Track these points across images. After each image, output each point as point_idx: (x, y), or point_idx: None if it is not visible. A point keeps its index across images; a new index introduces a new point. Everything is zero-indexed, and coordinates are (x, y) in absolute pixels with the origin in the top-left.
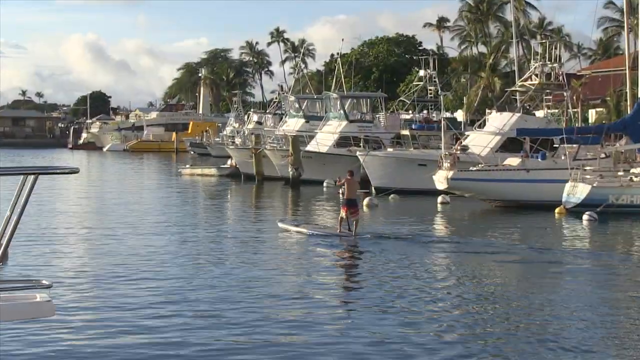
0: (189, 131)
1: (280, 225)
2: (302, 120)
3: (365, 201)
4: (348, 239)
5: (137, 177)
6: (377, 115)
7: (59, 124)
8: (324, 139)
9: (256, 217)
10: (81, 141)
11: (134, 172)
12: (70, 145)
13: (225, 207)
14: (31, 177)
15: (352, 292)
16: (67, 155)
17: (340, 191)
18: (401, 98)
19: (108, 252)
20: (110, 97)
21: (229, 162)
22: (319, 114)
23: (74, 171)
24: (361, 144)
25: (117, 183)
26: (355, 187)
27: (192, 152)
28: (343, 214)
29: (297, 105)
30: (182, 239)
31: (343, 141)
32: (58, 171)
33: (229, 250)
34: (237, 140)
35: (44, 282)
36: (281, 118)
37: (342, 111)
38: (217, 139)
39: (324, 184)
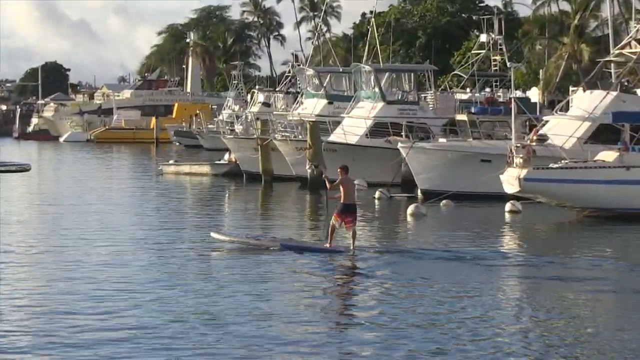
0: (174, 116)
1: (216, 236)
2: (324, 101)
3: (410, 209)
4: (344, 257)
5: (104, 177)
6: (424, 95)
7: (1, 106)
8: (353, 126)
9: (262, 233)
10: (31, 128)
11: (99, 170)
12: (16, 134)
13: (219, 218)
14: None
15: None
16: (11, 148)
17: (336, 195)
18: (456, 71)
19: (56, 278)
20: (68, 70)
21: (226, 156)
22: (346, 93)
23: (25, 169)
24: (403, 133)
25: (76, 185)
26: (354, 187)
27: (177, 144)
28: (336, 222)
29: (316, 81)
30: (159, 261)
31: (378, 129)
32: (2, 169)
33: (214, 274)
34: (238, 128)
35: None
36: (296, 98)
37: (377, 89)
38: (211, 126)
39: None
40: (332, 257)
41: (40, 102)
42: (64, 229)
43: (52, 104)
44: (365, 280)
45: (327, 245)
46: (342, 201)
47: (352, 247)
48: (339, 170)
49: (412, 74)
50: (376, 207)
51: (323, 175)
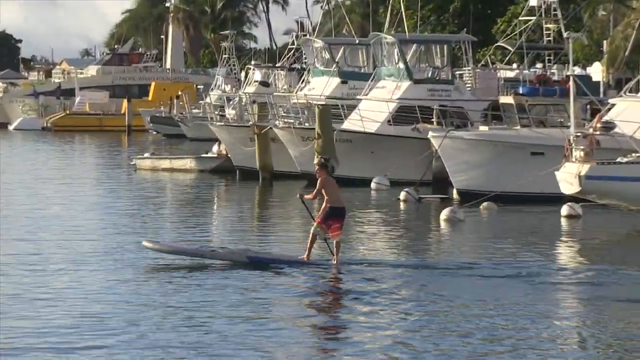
0: (150, 98)
1: (148, 245)
2: (336, 80)
3: (444, 214)
4: (324, 269)
5: (63, 175)
6: (459, 72)
7: None
8: (373, 111)
9: (258, 247)
10: None
11: (57, 165)
12: None
13: (206, 224)
14: None
15: None
16: None
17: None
18: (500, 43)
19: None
20: (19, 41)
21: (214, 148)
22: (363, 70)
23: None
24: (434, 119)
25: (28, 185)
26: (337, 187)
27: (154, 132)
28: (319, 230)
29: (327, 55)
30: (122, 280)
31: (404, 114)
32: None
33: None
34: (229, 113)
35: None
36: (301, 76)
37: (401, 65)
38: (196, 111)
39: (373, 185)
40: (318, 272)
41: None
42: (10, 240)
43: (0, 83)
44: (383, 302)
45: (305, 257)
46: (330, 203)
47: (335, 261)
48: (316, 168)
49: (446, 46)
50: (401, 211)
51: (299, 196)
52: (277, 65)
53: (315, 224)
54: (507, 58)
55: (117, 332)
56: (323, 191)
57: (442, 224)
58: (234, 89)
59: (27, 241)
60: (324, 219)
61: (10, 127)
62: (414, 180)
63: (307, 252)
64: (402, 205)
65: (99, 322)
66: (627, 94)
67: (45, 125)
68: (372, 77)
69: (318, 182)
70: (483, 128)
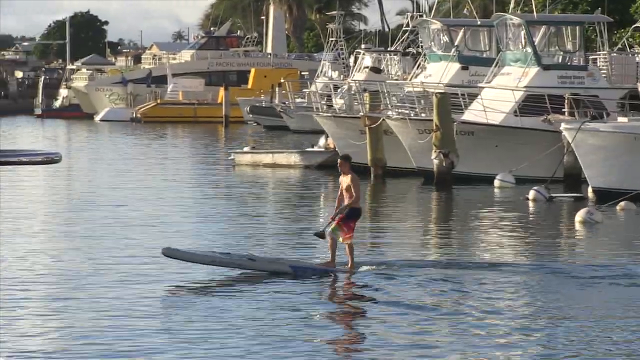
0: (249, 85)
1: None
2: (456, 66)
3: (580, 215)
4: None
5: (154, 171)
6: (593, 57)
7: (18, 73)
8: (497, 100)
9: (370, 251)
10: (57, 103)
11: (148, 160)
12: (39, 111)
13: (311, 224)
14: None
15: None
16: (32, 129)
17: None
18: (638, 24)
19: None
20: (105, 23)
21: (321, 141)
22: (485, 54)
23: (53, 160)
24: (566, 110)
25: (117, 181)
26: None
27: (253, 124)
28: (338, 231)
29: (445, 38)
30: (223, 291)
31: (532, 104)
32: (23, 159)
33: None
34: (337, 103)
35: None
36: (416, 61)
37: (529, 49)
38: (300, 100)
39: (497, 182)
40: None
41: (70, 66)
42: (98, 240)
43: (84, 70)
44: (512, 311)
45: (349, 266)
46: (353, 205)
47: (350, 265)
48: (340, 162)
49: (578, 28)
50: (530, 211)
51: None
52: (389, 49)
53: (334, 225)
54: None
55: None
56: (353, 189)
57: (577, 226)
58: (341, 75)
59: (126, 248)
60: (346, 220)
61: (97, 118)
62: (543, 177)
63: (331, 258)
64: (531, 205)
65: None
66: None
67: (134, 115)
68: (495, 62)
69: (353, 178)
70: (621, 119)
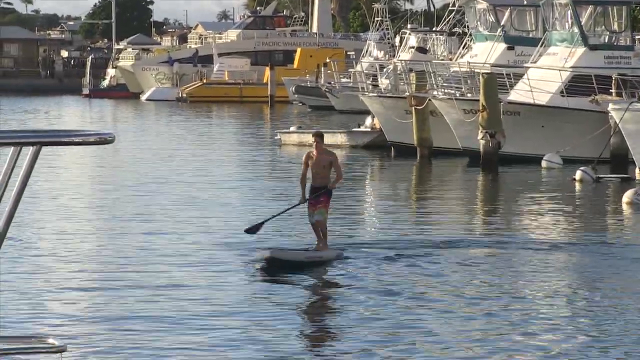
0: (295, 65)
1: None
2: (502, 46)
3: (627, 196)
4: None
5: (201, 150)
6: None
7: (64, 53)
8: (543, 81)
9: (415, 230)
10: (105, 83)
11: (194, 139)
12: (86, 91)
13: (357, 206)
14: (32, 150)
15: None
16: (79, 109)
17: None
18: None
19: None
20: (151, 2)
21: (367, 121)
22: (531, 34)
23: (106, 140)
24: (613, 90)
25: (163, 160)
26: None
27: (299, 104)
28: (309, 215)
29: (491, 18)
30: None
31: (578, 84)
32: (77, 140)
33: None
34: (382, 83)
35: (52, 340)
36: (462, 41)
37: (575, 29)
38: (345, 80)
39: (544, 163)
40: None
41: (116, 46)
42: (145, 220)
43: (130, 50)
44: (558, 291)
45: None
46: (336, 185)
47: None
48: (315, 140)
49: (625, 8)
50: (577, 192)
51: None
52: (435, 29)
53: (321, 209)
54: None
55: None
56: (339, 168)
57: (624, 207)
58: (387, 55)
59: (175, 234)
60: (329, 200)
61: (143, 98)
62: (590, 158)
63: (319, 242)
64: (577, 186)
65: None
66: None
67: (180, 95)
68: (541, 42)
69: (335, 157)
70: None
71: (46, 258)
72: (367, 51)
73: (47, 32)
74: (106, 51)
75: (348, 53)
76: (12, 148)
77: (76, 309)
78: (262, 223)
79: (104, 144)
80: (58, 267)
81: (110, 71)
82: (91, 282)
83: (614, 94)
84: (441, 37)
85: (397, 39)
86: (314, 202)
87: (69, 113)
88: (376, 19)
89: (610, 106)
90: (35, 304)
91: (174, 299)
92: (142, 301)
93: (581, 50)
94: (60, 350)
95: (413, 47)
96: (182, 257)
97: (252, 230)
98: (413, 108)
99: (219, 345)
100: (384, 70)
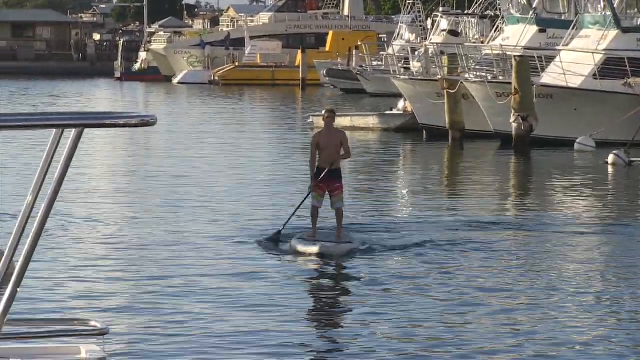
0: (327, 48)
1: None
2: (534, 28)
3: None
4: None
5: (233, 132)
6: None
7: (96, 36)
8: (575, 63)
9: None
10: (137, 66)
11: (226, 122)
12: (118, 74)
13: (388, 188)
14: (74, 132)
15: None
16: (111, 92)
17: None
18: None
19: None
20: None
21: (400, 104)
22: (564, 17)
23: (149, 122)
24: None
25: (195, 143)
26: (339, 145)
27: (331, 87)
28: (317, 198)
29: (523, 1)
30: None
31: (611, 67)
32: (120, 122)
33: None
34: (414, 66)
35: (94, 323)
36: (494, 24)
37: (608, 11)
38: (377, 63)
39: (577, 146)
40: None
41: (149, 29)
42: (175, 204)
43: (162, 33)
44: (588, 274)
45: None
46: (319, 163)
47: (337, 234)
48: (325, 113)
49: None
50: (609, 175)
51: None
52: (467, 12)
53: (340, 195)
54: None
55: None
56: (349, 148)
57: None
58: (419, 38)
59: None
60: (318, 182)
61: (175, 81)
62: (624, 141)
63: (313, 229)
64: (610, 170)
65: None
66: None
67: (212, 78)
68: (573, 25)
69: (346, 139)
70: None
71: (78, 243)
72: (398, 34)
73: (80, 15)
74: (138, 34)
75: (380, 36)
76: (54, 130)
77: (112, 293)
78: (280, 232)
79: (146, 126)
80: (94, 252)
81: (142, 54)
82: (125, 268)
83: None
84: (473, 20)
85: (429, 21)
86: (326, 186)
87: (101, 97)
88: (408, 1)
89: None
90: (70, 288)
91: (204, 288)
92: (177, 288)
93: (614, 32)
94: (103, 332)
95: (445, 30)
96: (211, 244)
97: (273, 239)
98: (445, 91)
99: (251, 333)
100: (416, 53)
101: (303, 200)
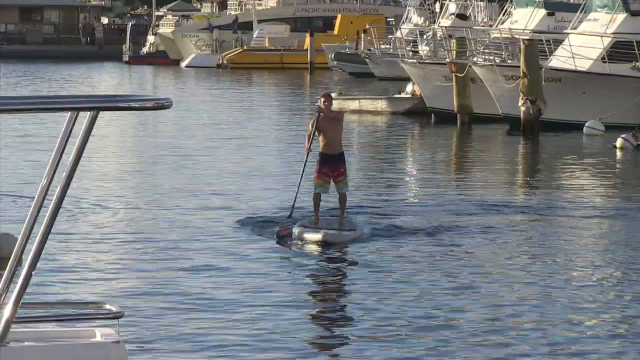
0: (335, 32)
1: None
2: (542, 12)
3: None
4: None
5: (242, 116)
6: None
7: (104, 20)
8: (584, 47)
9: (456, 196)
10: (145, 49)
11: (235, 105)
12: (127, 58)
13: (394, 171)
14: (89, 115)
15: None
16: (118, 76)
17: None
18: None
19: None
20: None
21: (408, 88)
22: (571, 0)
23: (164, 105)
24: None
25: (203, 126)
26: (340, 127)
27: (339, 70)
28: (322, 186)
29: None
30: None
31: (620, 50)
32: (135, 105)
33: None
34: (422, 50)
35: (108, 307)
36: (502, 7)
37: None
38: (385, 47)
39: (585, 130)
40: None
41: (156, 13)
42: (184, 188)
43: (170, 17)
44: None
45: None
46: (322, 149)
47: (340, 222)
48: (322, 98)
49: None
50: (617, 159)
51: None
52: None
53: (345, 180)
54: None
55: None
56: (319, 125)
57: None
58: (427, 22)
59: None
60: (322, 169)
61: (183, 64)
62: (633, 124)
63: (316, 216)
64: (618, 153)
65: None
66: None
67: (220, 62)
68: (581, 8)
69: (342, 119)
70: None
71: (91, 226)
72: (407, 17)
73: (88, 0)
74: (146, 18)
75: (388, 19)
76: (69, 113)
77: (127, 277)
78: (290, 215)
79: (161, 109)
80: (108, 236)
81: (150, 38)
82: (140, 250)
83: None
84: (481, 3)
85: (437, 5)
86: (331, 172)
87: (109, 80)
88: None
89: None
90: (84, 271)
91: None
92: (190, 271)
93: (622, 16)
94: (117, 316)
95: (453, 14)
96: (221, 228)
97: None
98: (453, 75)
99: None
100: (424, 36)
101: (301, 175)
